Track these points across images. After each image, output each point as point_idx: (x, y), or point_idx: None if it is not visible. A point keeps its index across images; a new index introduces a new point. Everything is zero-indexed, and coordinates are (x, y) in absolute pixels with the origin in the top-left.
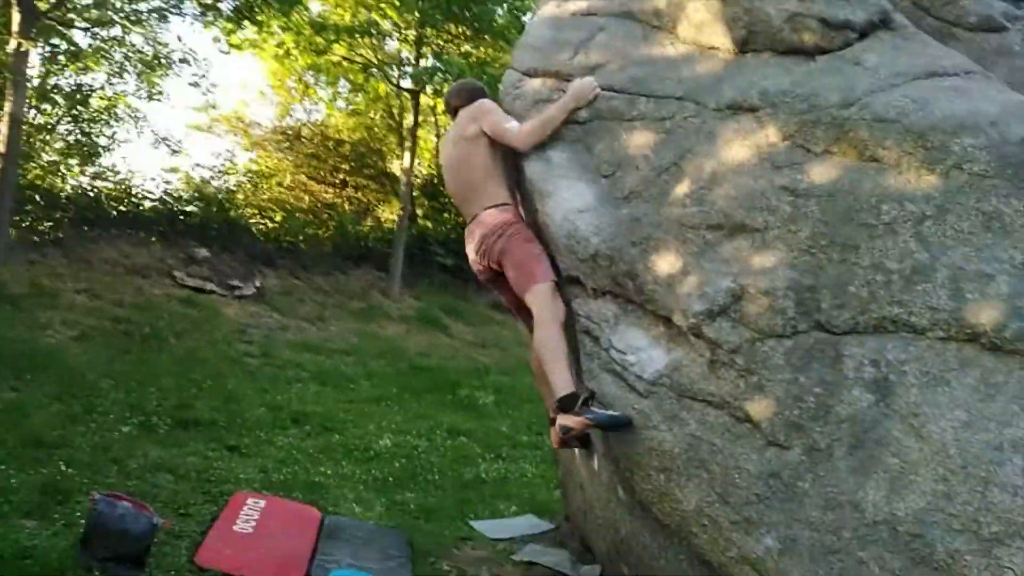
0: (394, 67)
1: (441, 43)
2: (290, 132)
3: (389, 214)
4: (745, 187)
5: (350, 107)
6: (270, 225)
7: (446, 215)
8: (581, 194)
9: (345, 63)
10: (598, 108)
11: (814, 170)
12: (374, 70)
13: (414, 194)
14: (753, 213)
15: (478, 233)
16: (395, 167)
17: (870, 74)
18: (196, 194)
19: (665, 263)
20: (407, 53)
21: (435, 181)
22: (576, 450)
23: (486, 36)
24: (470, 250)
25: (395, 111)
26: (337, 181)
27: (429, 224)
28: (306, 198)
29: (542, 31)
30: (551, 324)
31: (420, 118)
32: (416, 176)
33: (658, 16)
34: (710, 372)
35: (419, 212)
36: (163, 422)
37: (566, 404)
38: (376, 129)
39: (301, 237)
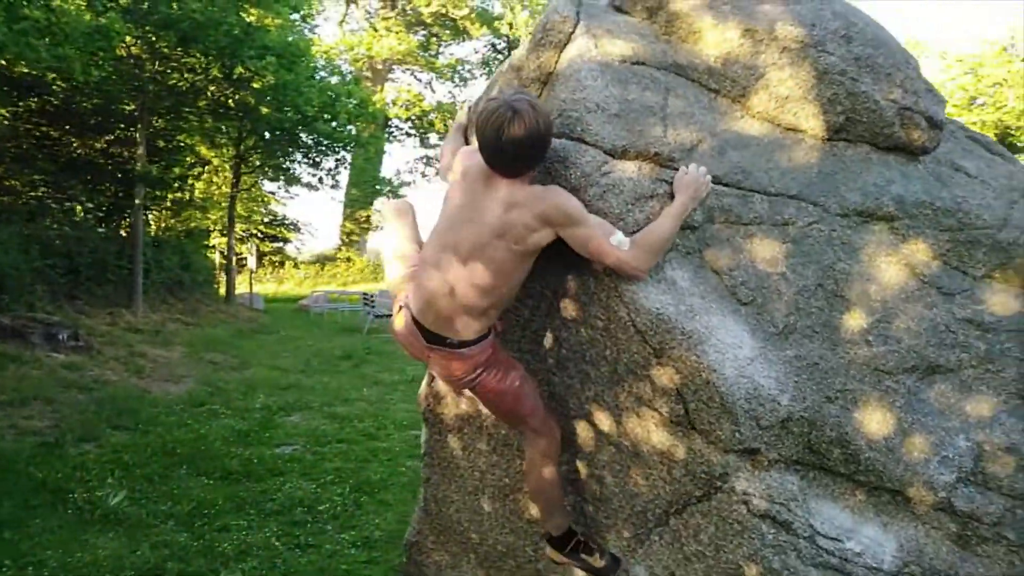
0: None
1: None
2: None
3: None
4: (924, 319)
5: None
6: None
7: None
8: (735, 333)
9: None
10: (709, 206)
11: (990, 300)
12: None
13: None
14: (943, 351)
15: (455, 367)
16: None
17: (984, 185)
18: None
19: (874, 422)
20: None
21: None
22: None
23: None
24: (412, 348)
25: None
26: None
27: None
28: None
29: (607, 88)
30: (549, 464)
31: None
32: None
33: (713, 77)
34: (965, 550)
35: None
36: None
37: (556, 544)
38: None
39: None
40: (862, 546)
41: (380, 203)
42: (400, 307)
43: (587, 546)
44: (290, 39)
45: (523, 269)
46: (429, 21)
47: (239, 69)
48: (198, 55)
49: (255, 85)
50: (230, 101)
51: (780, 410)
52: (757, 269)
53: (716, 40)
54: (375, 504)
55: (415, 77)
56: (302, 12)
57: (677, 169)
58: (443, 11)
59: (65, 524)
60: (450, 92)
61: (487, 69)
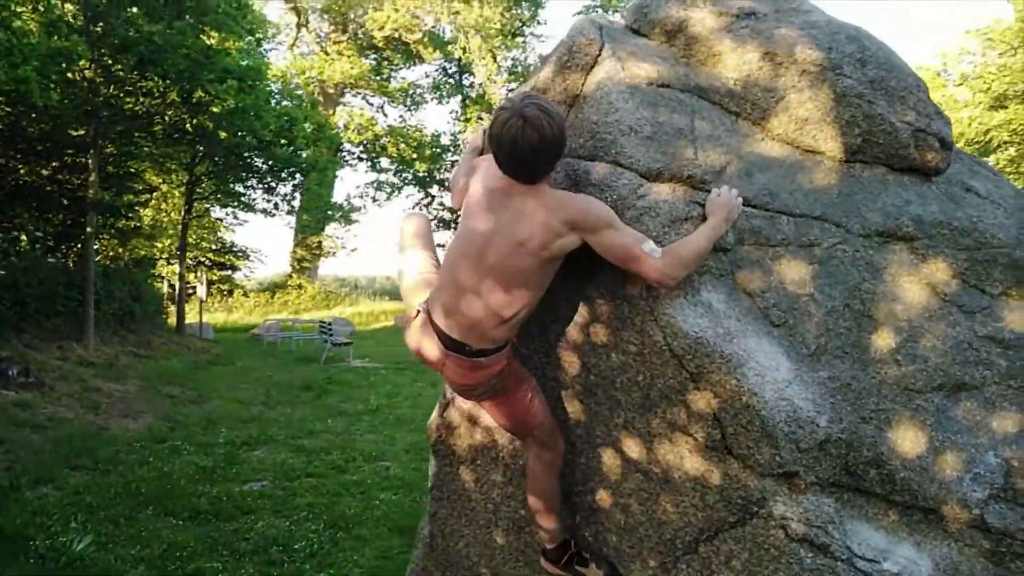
0: None
1: None
2: None
3: None
4: (948, 337)
5: None
6: None
7: None
8: (772, 355)
9: None
10: (740, 228)
11: (1008, 317)
12: None
13: None
14: (968, 368)
15: (471, 376)
16: None
17: (995, 205)
18: None
19: (907, 441)
20: None
21: None
22: None
23: None
24: (431, 357)
25: None
26: None
27: None
28: None
29: (639, 111)
30: (551, 476)
31: None
32: None
33: (734, 100)
34: (999, 566)
35: None
36: None
37: (551, 556)
38: None
39: None
40: (899, 566)
41: (399, 218)
42: (417, 311)
43: (581, 557)
44: (245, 63)
45: (547, 277)
46: (381, 45)
47: (198, 93)
48: (156, 79)
49: (214, 109)
50: (187, 125)
51: (819, 432)
52: (787, 291)
53: (736, 63)
54: (352, 540)
55: (367, 101)
56: (257, 35)
57: (709, 191)
58: (395, 35)
59: (27, 574)
60: (401, 116)
61: (438, 93)
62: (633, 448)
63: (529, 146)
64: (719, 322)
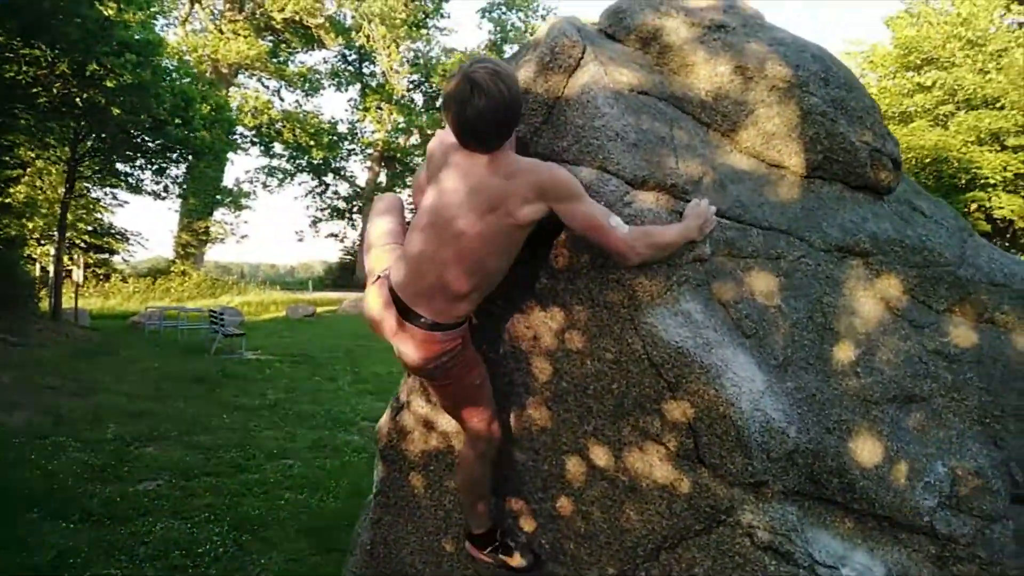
0: None
1: None
2: None
3: None
4: (900, 350)
5: None
6: None
7: None
8: (746, 366)
9: None
10: (715, 239)
11: (953, 332)
12: None
13: None
14: (918, 381)
15: (423, 349)
16: None
17: (939, 225)
18: None
19: (866, 450)
20: None
21: None
22: None
23: None
24: (394, 339)
25: None
26: None
27: None
28: None
29: (624, 117)
30: (484, 461)
31: None
32: None
33: (705, 110)
34: (943, 570)
35: None
36: None
37: (478, 542)
38: None
39: None
40: (856, 572)
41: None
42: (378, 277)
43: (506, 546)
44: (138, 37)
45: (511, 250)
46: (280, 27)
47: (92, 66)
48: (44, 47)
49: (108, 84)
50: (77, 99)
51: (788, 442)
52: (757, 302)
53: (708, 74)
54: (258, 543)
55: (263, 84)
56: (153, 8)
57: (688, 201)
58: (296, 18)
59: None
60: (297, 101)
61: (336, 80)
62: (601, 456)
63: (478, 112)
64: (699, 332)
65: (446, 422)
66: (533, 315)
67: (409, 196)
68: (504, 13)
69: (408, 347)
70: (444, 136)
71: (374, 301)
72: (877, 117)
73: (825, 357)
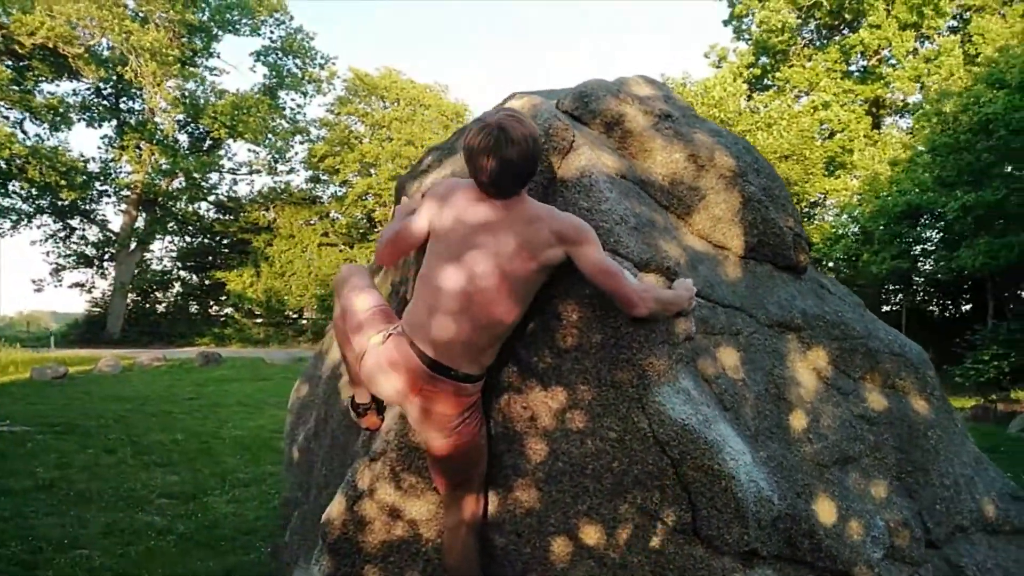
0: None
1: None
2: None
3: None
4: (835, 416)
5: None
6: None
7: None
8: (735, 440)
9: None
10: (697, 317)
11: (869, 398)
12: None
13: None
14: (851, 444)
15: (452, 403)
16: None
17: (842, 301)
18: None
19: (825, 511)
20: None
21: None
22: None
23: None
24: (400, 395)
25: None
26: None
27: None
28: None
29: (623, 201)
30: (472, 534)
31: None
32: None
33: (664, 194)
34: None
35: None
36: None
37: None
38: None
39: None
40: None
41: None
42: (389, 334)
43: None
44: None
45: (529, 296)
46: (25, 52)
47: None
48: None
49: None
50: None
51: (774, 509)
52: (727, 376)
53: (664, 160)
54: None
55: (2, 116)
56: None
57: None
58: (48, 43)
59: None
60: (38, 135)
61: (88, 114)
62: (592, 535)
63: (509, 160)
64: (698, 409)
65: (416, 509)
66: (532, 395)
67: None
68: (280, 58)
69: (436, 404)
70: (449, 184)
71: (383, 363)
72: (792, 205)
73: (784, 426)
